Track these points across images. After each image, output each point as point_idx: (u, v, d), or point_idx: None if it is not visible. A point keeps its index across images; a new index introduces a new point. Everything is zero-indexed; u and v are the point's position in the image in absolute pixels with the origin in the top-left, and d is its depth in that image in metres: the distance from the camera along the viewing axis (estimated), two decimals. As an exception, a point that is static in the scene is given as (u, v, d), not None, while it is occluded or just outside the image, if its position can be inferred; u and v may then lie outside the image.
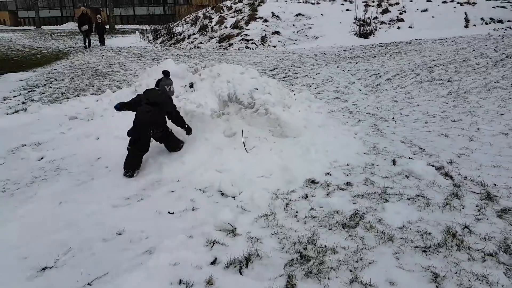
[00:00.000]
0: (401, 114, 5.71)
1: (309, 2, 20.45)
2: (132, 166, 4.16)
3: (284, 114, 4.44)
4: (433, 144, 4.39)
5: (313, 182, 3.62)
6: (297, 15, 18.82)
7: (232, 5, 21.33)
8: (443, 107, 5.81)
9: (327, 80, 8.90)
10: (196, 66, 6.58)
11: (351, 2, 20.25)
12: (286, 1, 20.77)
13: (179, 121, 4.36)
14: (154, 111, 4.15)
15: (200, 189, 3.68)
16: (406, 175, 3.62)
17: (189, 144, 4.48)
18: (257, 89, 4.79)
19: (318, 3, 20.28)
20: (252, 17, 18.56)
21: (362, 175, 3.71)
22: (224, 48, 16.40)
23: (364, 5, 19.34)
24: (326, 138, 4.48)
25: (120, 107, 4.30)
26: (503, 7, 18.07)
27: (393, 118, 5.53)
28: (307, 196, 3.36)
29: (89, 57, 14.52)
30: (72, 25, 49.01)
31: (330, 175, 3.74)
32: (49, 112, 6.46)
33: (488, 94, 6.11)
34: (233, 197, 3.47)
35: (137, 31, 24.43)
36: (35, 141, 5.26)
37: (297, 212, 3.12)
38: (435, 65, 9.08)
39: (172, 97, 4.45)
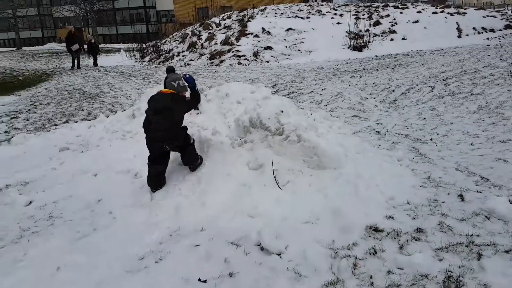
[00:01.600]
0: (438, 134, 5.09)
1: (298, 17, 20.13)
2: (157, 184, 3.78)
3: (320, 141, 3.74)
4: (494, 172, 3.75)
5: (376, 230, 2.90)
6: (287, 30, 18.41)
7: (221, 21, 20.84)
8: (482, 125, 5.23)
9: (336, 96, 8.30)
10: (201, 86, 5.87)
11: (341, 16, 20.02)
12: (275, 16, 20.42)
13: (197, 103, 4.12)
14: (165, 123, 3.56)
15: (232, 242, 2.92)
16: (486, 216, 2.95)
17: (208, 180, 3.72)
18: (282, 111, 4.10)
19: (308, 18, 19.96)
20: (242, 33, 18.06)
21: (432, 217, 3.02)
22: (216, 65, 15.76)
23: (355, 18, 19.11)
24: (370, 168, 3.79)
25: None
26: (493, 16, 18.09)
27: (431, 139, 4.90)
28: (375, 252, 2.64)
29: (74, 78, 13.64)
30: (54, 46, 47.93)
31: (393, 218, 3.04)
32: (36, 143, 5.60)
33: (525, 108, 5.59)
34: (279, 255, 2.72)
35: (122, 50, 23.63)
36: (22, 180, 4.41)
37: (371, 278, 2.39)
38: (447, 77, 8.61)
39: (184, 93, 3.84)
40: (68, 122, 7.01)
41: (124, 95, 10.00)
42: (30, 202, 3.87)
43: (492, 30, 17.05)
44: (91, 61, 18.59)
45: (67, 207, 3.71)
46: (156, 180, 3.75)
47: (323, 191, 3.41)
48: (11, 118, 7.62)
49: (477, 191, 3.37)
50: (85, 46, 18.61)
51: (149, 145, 3.72)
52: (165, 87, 3.76)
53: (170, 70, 3.92)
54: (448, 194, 3.37)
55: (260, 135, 3.93)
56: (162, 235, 3.13)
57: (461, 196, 3.29)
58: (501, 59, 9.99)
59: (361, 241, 2.78)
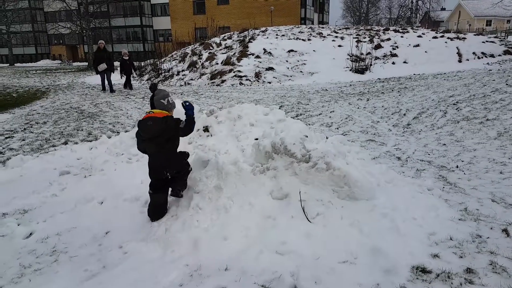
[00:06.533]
0: (462, 161, 4.86)
1: (299, 39, 20.24)
2: (159, 214, 3.52)
3: (351, 169, 3.48)
4: (535, 204, 3.51)
5: (423, 271, 2.61)
6: (289, 51, 18.46)
7: (221, 41, 20.89)
8: (507, 152, 5.01)
9: (346, 119, 8.10)
10: (212, 107, 5.63)
11: (342, 38, 20.17)
12: (276, 37, 20.53)
13: (190, 131, 3.56)
14: (162, 150, 3.40)
15: (263, 286, 2.60)
16: (542, 256, 2.68)
17: (228, 211, 3.42)
18: (307, 136, 3.85)
19: (309, 40, 20.08)
20: (243, 54, 18.04)
21: (481, 255, 2.74)
22: (217, 85, 15.63)
23: (356, 41, 19.25)
24: (404, 200, 3.53)
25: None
26: (492, 42, 18.32)
27: (457, 166, 4.67)
28: (429, 298, 2.35)
29: (71, 96, 13.36)
30: (48, 62, 47.93)
31: (438, 257, 2.75)
32: (34, 165, 5.25)
33: (547, 135, 5.40)
34: (319, 301, 2.41)
35: (118, 68, 23.50)
36: (20, 207, 4.05)
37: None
38: (457, 102, 8.48)
39: (172, 111, 3.57)
40: (67, 143, 6.67)
41: (125, 114, 9.72)
42: (30, 234, 3.51)
43: (492, 55, 17.23)
44: (122, 80, 15.54)
45: (72, 240, 3.37)
46: (158, 210, 3.53)
47: (357, 226, 3.12)
48: (6, 138, 7.25)
49: (524, 226, 3.11)
50: (116, 64, 15.65)
51: (151, 174, 3.54)
52: (153, 107, 3.50)
53: (155, 87, 3.60)
54: (491, 228, 3.10)
55: (284, 162, 3.65)
56: (181, 275, 2.79)
57: (505, 231, 3.02)
58: (507, 84, 9.95)
59: (409, 285, 2.48)
